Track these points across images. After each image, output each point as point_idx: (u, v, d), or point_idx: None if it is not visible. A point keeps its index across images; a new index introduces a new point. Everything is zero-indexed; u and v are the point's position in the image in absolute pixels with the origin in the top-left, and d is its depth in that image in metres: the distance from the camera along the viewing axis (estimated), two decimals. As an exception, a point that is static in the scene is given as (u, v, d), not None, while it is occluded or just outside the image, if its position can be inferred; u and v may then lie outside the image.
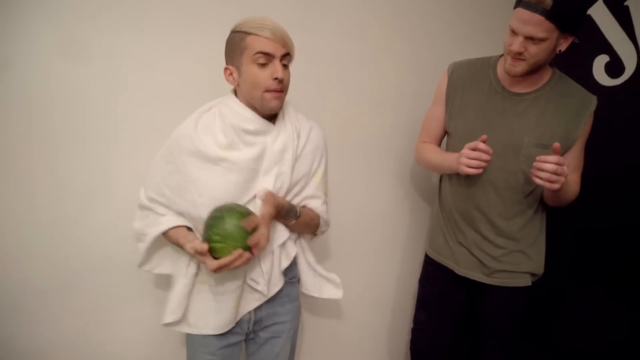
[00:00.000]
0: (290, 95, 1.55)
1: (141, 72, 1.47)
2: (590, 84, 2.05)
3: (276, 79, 1.16)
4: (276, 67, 1.16)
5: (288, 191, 1.29)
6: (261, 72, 1.16)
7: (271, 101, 1.19)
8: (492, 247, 1.50)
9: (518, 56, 1.28)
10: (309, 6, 1.72)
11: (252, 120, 1.23)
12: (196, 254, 1.13)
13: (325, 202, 1.41)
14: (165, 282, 1.55)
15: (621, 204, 1.99)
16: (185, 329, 1.28)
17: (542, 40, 1.23)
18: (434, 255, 1.65)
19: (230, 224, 1.10)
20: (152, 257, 1.35)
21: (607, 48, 1.99)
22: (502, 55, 1.46)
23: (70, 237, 1.44)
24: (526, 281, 1.53)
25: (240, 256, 1.10)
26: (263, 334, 1.37)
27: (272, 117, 1.29)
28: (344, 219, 1.90)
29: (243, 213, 1.13)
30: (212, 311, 1.25)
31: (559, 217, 2.25)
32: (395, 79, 1.92)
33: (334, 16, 1.77)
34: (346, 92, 1.83)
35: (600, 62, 2.02)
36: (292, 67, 1.53)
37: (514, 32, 1.26)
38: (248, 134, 1.23)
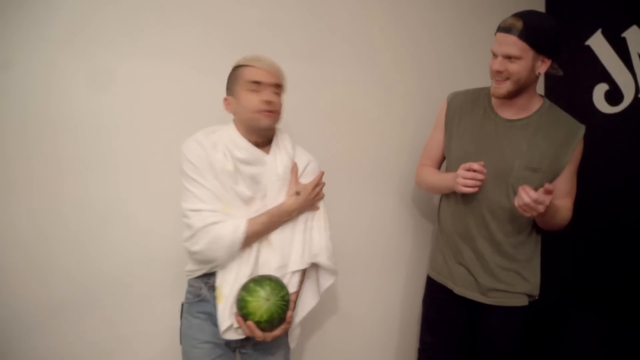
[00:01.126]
0: (300, 120, 1.63)
1: (161, 97, 1.56)
2: (591, 111, 2.12)
3: (266, 101, 1.28)
4: (266, 92, 1.29)
5: (298, 219, 1.41)
6: (253, 97, 1.29)
7: (262, 120, 1.29)
8: (488, 266, 1.54)
9: (499, 75, 1.39)
10: (320, 35, 1.81)
11: (244, 148, 1.32)
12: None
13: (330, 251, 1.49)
14: (176, 301, 1.61)
15: (620, 226, 2.03)
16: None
17: (518, 58, 1.35)
18: (434, 276, 1.70)
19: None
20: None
21: (607, 77, 2.06)
22: None
23: (90, 255, 1.50)
24: (522, 301, 1.56)
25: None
26: (254, 350, 1.40)
27: (266, 145, 1.38)
28: (350, 240, 1.95)
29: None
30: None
31: (558, 240, 2.29)
32: (403, 105, 2.00)
33: (344, 44, 1.86)
34: (355, 117, 1.91)
35: (600, 91, 2.09)
36: (304, 92, 1.61)
37: (494, 55, 1.40)
38: (240, 162, 1.32)
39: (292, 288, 1.38)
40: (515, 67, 1.36)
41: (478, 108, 1.56)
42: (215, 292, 1.31)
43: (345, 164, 1.90)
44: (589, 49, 2.12)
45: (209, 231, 1.26)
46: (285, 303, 1.28)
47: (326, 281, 1.51)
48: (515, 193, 1.39)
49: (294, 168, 1.40)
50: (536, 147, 1.44)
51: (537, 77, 1.44)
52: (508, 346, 1.61)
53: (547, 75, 2.35)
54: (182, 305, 1.42)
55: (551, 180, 1.46)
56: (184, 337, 1.39)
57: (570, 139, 1.44)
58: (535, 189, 1.31)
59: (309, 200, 1.38)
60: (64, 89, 1.45)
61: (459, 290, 1.60)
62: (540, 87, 2.36)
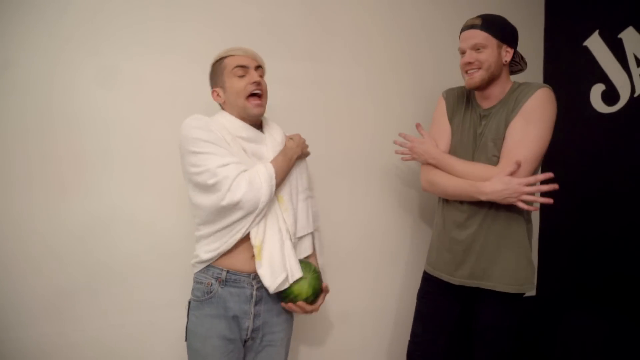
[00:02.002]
0: (299, 119, 1.67)
1: (166, 95, 1.62)
2: (588, 111, 2.15)
3: (254, 82, 1.37)
4: (252, 74, 1.38)
5: (299, 189, 1.51)
6: (241, 81, 1.38)
7: (254, 108, 1.38)
8: (482, 252, 1.58)
9: (470, 67, 1.54)
10: (319, 35, 1.86)
11: (245, 128, 1.40)
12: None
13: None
14: (184, 289, 1.64)
15: (618, 225, 2.06)
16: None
17: (483, 47, 1.51)
18: (430, 270, 1.73)
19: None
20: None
21: (603, 77, 2.10)
22: None
23: (99, 245, 1.57)
24: (519, 288, 1.57)
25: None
26: (259, 342, 1.44)
27: (258, 129, 1.46)
28: (349, 236, 2.00)
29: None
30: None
31: (557, 238, 2.33)
32: (400, 104, 2.04)
33: (343, 44, 1.91)
34: (353, 116, 1.96)
35: (597, 91, 2.13)
36: (303, 92, 1.64)
37: (462, 52, 1.57)
38: (244, 140, 1.39)
39: (305, 252, 1.51)
40: (483, 56, 1.52)
41: (466, 102, 1.68)
42: (255, 250, 1.36)
43: (344, 162, 1.95)
44: (586, 50, 2.16)
45: (244, 176, 1.31)
46: (318, 274, 1.44)
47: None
48: (494, 162, 1.54)
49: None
50: (498, 118, 1.55)
51: (505, 66, 1.57)
52: (503, 341, 1.63)
53: (545, 75, 2.39)
54: (189, 303, 1.42)
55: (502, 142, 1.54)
56: (193, 334, 1.39)
57: (523, 95, 1.51)
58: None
59: (300, 144, 1.49)
60: (69, 86, 1.52)
61: (455, 280, 1.63)
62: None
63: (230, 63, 1.39)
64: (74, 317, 1.56)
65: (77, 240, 1.55)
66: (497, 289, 1.56)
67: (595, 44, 2.13)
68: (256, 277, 1.38)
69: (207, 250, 1.38)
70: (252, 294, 1.39)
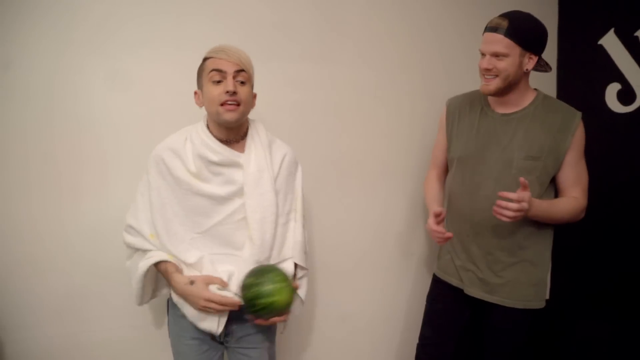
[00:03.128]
0: (308, 119, 1.65)
1: (175, 99, 1.60)
2: (603, 110, 2.11)
3: (228, 92, 1.23)
4: (228, 82, 1.24)
5: (279, 212, 1.36)
6: (216, 89, 1.25)
7: (225, 114, 1.25)
8: (494, 263, 1.55)
9: (488, 73, 1.45)
10: (329, 36, 1.84)
11: (216, 151, 1.30)
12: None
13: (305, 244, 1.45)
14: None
15: (632, 227, 2.01)
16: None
17: (505, 55, 1.41)
18: (440, 274, 1.71)
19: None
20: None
21: (619, 77, 2.05)
22: None
23: (110, 247, 1.56)
24: (526, 304, 1.54)
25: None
26: (236, 344, 1.40)
27: (241, 140, 1.36)
28: (359, 238, 1.98)
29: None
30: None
31: (567, 240, 2.28)
32: (410, 104, 2.02)
33: (352, 45, 1.89)
34: (362, 116, 1.94)
35: (612, 90, 2.08)
36: (312, 92, 1.62)
37: (482, 54, 1.46)
38: (213, 164, 1.30)
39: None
40: (502, 65, 1.42)
41: (475, 107, 1.60)
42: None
43: (354, 163, 1.94)
44: (601, 48, 2.11)
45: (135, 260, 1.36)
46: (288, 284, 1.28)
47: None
48: (518, 185, 1.41)
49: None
50: (534, 135, 1.47)
51: (526, 74, 1.49)
52: (513, 344, 1.60)
53: (559, 74, 2.34)
54: (168, 301, 1.42)
55: (554, 169, 1.48)
56: (171, 333, 1.43)
57: (567, 125, 1.46)
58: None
59: (196, 298, 1.26)
60: (77, 88, 1.52)
61: (466, 288, 1.61)
62: (552, 86, 2.35)
63: (208, 66, 1.28)
64: (83, 319, 1.57)
65: (88, 241, 1.56)
66: (505, 305, 1.54)
67: (610, 42, 2.08)
68: None
69: None
70: None
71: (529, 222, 1.49)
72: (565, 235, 2.30)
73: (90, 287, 1.57)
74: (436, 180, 1.77)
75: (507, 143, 1.50)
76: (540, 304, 1.56)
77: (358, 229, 1.97)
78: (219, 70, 1.25)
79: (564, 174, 1.49)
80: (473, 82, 1.74)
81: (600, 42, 2.12)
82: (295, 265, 1.40)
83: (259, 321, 1.27)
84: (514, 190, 1.45)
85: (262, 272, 1.24)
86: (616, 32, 2.05)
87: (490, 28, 1.44)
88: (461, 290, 1.64)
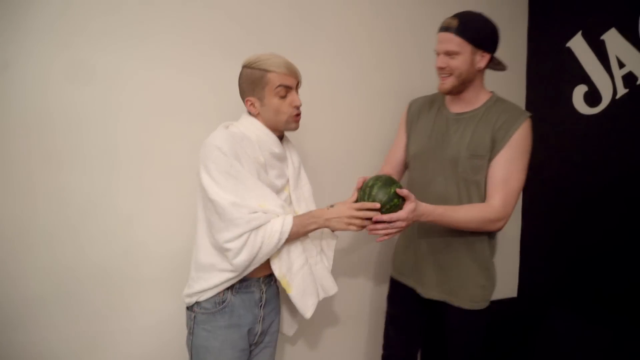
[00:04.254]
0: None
1: (141, 92, 1.55)
2: (570, 112, 2.16)
3: (296, 106, 1.36)
4: (294, 97, 1.36)
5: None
6: (283, 103, 1.35)
7: (293, 124, 1.39)
8: (444, 262, 1.56)
9: (442, 71, 1.49)
10: (303, 31, 1.81)
11: (278, 144, 1.40)
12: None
13: None
14: (161, 295, 1.60)
15: (599, 226, 2.08)
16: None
17: (456, 53, 1.45)
18: (396, 276, 1.72)
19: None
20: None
21: (586, 79, 2.10)
22: None
23: (71, 248, 1.48)
24: (473, 305, 1.54)
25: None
26: (260, 345, 1.46)
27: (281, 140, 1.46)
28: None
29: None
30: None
31: (536, 240, 2.34)
32: (384, 103, 2.01)
33: (327, 41, 1.87)
34: (336, 114, 1.92)
35: (579, 92, 2.13)
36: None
37: (436, 53, 1.51)
38: (274, 157, 1.39)
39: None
40: (455, 63, 1.46)
41: (434, 107, 1.65)
42: (282, 283, 1.35)
43: (327, 162, 1.91)
44: (569, 51, 2.16)
45: (251, 236, 1.24)
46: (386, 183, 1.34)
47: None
48: (465, 182, 1.48)
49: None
50: (480, 135, 1.49)
51: (480, 72, 1.52)
52: (469, 344, 1.60)
53: (528, 76, 2.39)
54: (195, 317, 1.35)
55: (487, 166, 1.49)
56: (205, 350, 1.32)
57: (510, 124, 1.46)
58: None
59: (343, 215, 1.32)
60: (37, 81, 1.42)
61: (419, 290, 1.61)
62: (522, 87, 2.39)
63: (273, 81, 1.32)
64: (46, 325, 1.48)
65: (48, 242, 1.46)
66: (454, 304, 1.55)
67: (578, 45, 2.13)
68: (265, 279, 1.40)
69: (199, 284, 1.34)
70: (260, 297, 1.40)
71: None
72: (534, 233, 2.37)
73: (49, 292, 1.47)
74: None
75: (455, 142, 1.53)
76: (485, 305, 1.56)
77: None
78: (287, 87, 1.34)
79: (491, 172, 1.46)
80: None
81: (568, 44, 2.17)
82: None
83: (387, 216, 1.30)
84: (461, 188, 1.50)
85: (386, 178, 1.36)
86: (583, 35, 2.10)
87: (442, 28, 1.49)
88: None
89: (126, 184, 1.55)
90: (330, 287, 1.46)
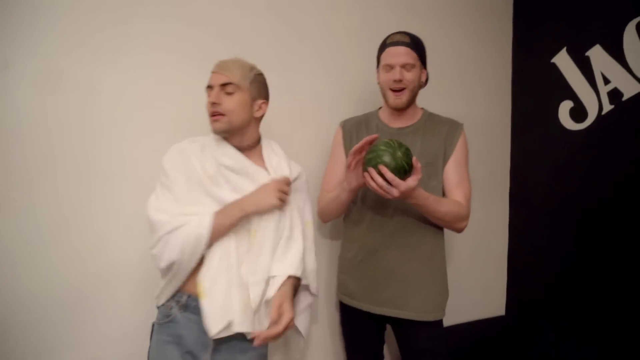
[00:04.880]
0: (265, 129, 1.59)
1: (115, 104, 1.47)
2: (556, 127, 2.16)
3: (210, 102, 1.28)
4: (212, 93, 1.29)
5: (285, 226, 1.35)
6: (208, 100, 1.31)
7: (212, 124, 1.30)
8: (403, 277, 1.54)
9: (399, 85, 1.51)
10: (288, 43, 1.77)
11: (230, 155, 1.31)
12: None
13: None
14: (136, 320, 1.51)
15: (586, 242, 2.06)
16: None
17: (412, 66, 1.51)
18: (347, 301, 1.64)
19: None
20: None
21: (571, 94, 2.11)
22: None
23: (37, 270, 1.38)
24: (435, 315, 1.55)
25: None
26: None
27: (253, 150, 1.37)
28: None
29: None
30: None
31: (526, 256, 2.32)
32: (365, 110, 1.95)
33: (312, 53, 1.83)
34: (321, 127, 1.85)
35: (565, 108, 2.13)
36: (274, 103, 1.56)
37: (389, 67, 1.52)
38: (227, 169, 1.30)
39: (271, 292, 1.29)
40: (411, 76, 1.51)
41: (371, 125, 1.64)
42: (198, 287, 1.23)
43: (313, 174, 1.83)
44: (554, 67, 2.16)
45: (171, 237, 1.21)
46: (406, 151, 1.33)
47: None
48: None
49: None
50: (428, 145, 1.56)
51: (420, 88, 1.59)
52: (437, 357, 1.59)
53: (513, 91, 2.39)
54: (153, 325, 1.32)
55: (442, 171, 1.57)
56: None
57: (452, 133, 1.58)
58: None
59: (275, 192, 1.28)
60: (7, 90, 1.33)
61: (376, 309, 1.57)
62: (507, 102, 2.39)
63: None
64: (6, 355, 1.36)
65: (9, 266, 1.35)
66: (417, 319, 1.53)
67: (563, 61, 2.14)
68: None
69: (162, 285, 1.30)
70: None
71: (423, 225, 1.54)
72: (521, 249, 2.34)
73: (12, 318, 1.35)
74: None
75: None
76: (443, 315, 1.58)
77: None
78: (209, 86, 1.30)
79: (446, 175, 1.56)
80: (431, 91, 1.72)
81: (554, 60, 2.17)
82: (296, 289, 1.35)
83: (392, 177, 1.29)
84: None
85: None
86: (568, 51, 2.11)
87: (394, 42, 1.53)
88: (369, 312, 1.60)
89: (100, 200, 1.45)
90: (241, 322, 1.24)
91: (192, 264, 1.24)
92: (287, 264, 1.32)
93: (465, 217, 1.52)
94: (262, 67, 1.48)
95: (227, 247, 1.26)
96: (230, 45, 1.63)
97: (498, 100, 2.38)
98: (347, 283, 1.65)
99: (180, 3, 1.58)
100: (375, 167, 1.30)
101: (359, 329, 1.68)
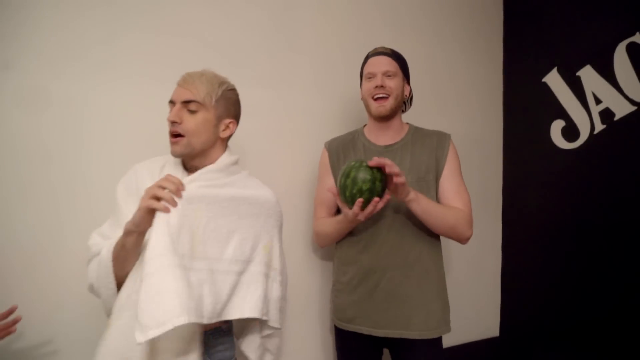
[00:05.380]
0: (258, 146, 1.55)
1: (99, 121, 1.43)
2: (548, 146, 2.15)
3: (168, 120, 1.17)
4: (172, 111, 1.17)
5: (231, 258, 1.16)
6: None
7: (171, 147, 1.18)
8: (403, 296, 1.50)
9: (380, 92, 1.52)
10: (283, 60, 1.76)
11: (175, 172, 1.20)
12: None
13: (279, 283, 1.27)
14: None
15: (578, 261, 2.04)
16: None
17: (394, 74, 1.53)
18: (343, 326, 1.59)
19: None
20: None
21: (563, 114, 2.11)
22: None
23: (16, 297, 1.27)
24: (439, 332, 1.52)
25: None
26: None
27: None
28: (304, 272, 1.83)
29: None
30: None
31: (519, 276, 2.30)
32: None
33: (307, 70, 1.82)
34: (314, 144, 1.80)
35: (557, 127, 2.13)
36: (263, 118, 1.52)
37: (371, 76, 1.54)
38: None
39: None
40: (394, 83, 1.53)
41: (357, 145, 1.62)
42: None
43: (300, 193, 1.81)
44: (545, 86, 2.17)
45: (92, 261, 1.15)
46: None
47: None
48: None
49: None
50: (419, 158, 1.55)
51: (404, 101, 1.60)
52: None
53: (505, 110, 2.39)
54: None
55: (435, 186, 1.55)
56: None
57: (442, 144, 1.57)
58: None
59: (145, 196, 1.06)
60: None
61: (379, 332, 1.52)
62: (498, 121, 2.39)
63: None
64: None
65: None
66: (421, 337, 1.49)
67: (554, 80, 2.14)
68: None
69: None
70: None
71: (420, 241, 1.52)
72: (514, 269, 2.32)
73: None
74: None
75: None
76: (448, 330, 1.56)
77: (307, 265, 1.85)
78: (171, 102, 1.19)
79: (443, 186, 1.54)
80: (429, 109, 1.71)
81: (544, 79, 2.18)
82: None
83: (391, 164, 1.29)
84: (414, 216, 1.47)
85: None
86: (559, 71, 2.12)
87: (376, 53, 1.57)
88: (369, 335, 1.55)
89: (77, 225, 1.38)
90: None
91: (108, 290, 1.11)
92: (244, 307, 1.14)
93: (469, 223, 1.50)
94: (253, 81, 1.45)
95: (134, 276, 1.09)
96: (222, 60, 1.59)
97: (490, 119, 2.38)
98: (344, 307, 1.59)
99: (170, 17, 1.55)
100: (354, 200, 1.29)
101: (356, 354, 1.61)
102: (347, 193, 1.30)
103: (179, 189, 1.07)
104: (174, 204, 1.06)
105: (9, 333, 1.17)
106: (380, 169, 1.30)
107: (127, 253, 1.09)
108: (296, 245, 1.81)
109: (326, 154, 1.66)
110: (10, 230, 1.32)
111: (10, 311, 1.19)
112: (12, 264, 1.32)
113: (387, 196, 1.34)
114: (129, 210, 1.10)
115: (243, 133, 1.54)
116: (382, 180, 1.30)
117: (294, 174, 1.81)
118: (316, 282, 1.86)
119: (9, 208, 1.31)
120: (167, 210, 1.05)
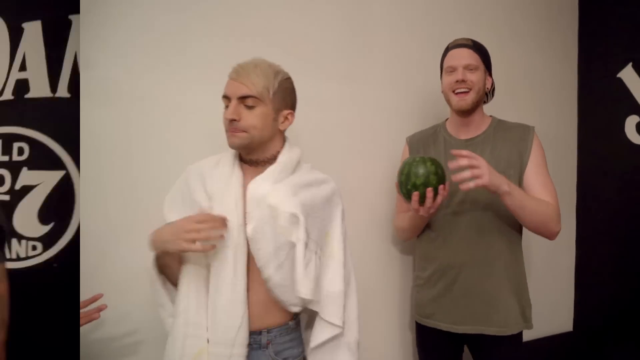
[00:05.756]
0: (330, 141, 1.60)
1: (170, 116, 1.45)
2: (623, 142, 2.14)
3: (226, 119, 1.13)
4: (230, 109, 1.12)
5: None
6: (225, 114, 1.14)
7: (229, 139, 1.14)
8: (483, 292, 1.49)
9: (461, 86, 1.47)
10: (356, 55, 1.78)
11: (222, 163, 1.20)
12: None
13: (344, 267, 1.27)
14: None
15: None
16: None
17: (476, 68, 1.47)
18: (423, 321, 1.59)
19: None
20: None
21: (638, 109, 2.08)
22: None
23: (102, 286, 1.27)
24: (519, 327, 1.49)
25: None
26: None
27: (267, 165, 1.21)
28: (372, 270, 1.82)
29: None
30: None
31: (595, 271, 2.28)
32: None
33: (380, 65, 1.83)
34: (387, 140, 1.83)
35: (631, 122, 2.11)
36: (336, 113, 1.57)
37: (452, 69, 1.49)
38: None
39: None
40: (475, 77, 1.47)
41: (438, 139, 1.60)
42: None
43: (379, 188, 1.83)
44: (620, 82, 2.15)
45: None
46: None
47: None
48: (495, 203, 1.42)
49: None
50: (499, 152, 1.50)
51: (485, 94, 1.54)
52: None
53: (580, 106, 2.38)
54: None
55: (519, 181, 1.48)
56: None
57: (524, 137, 1.51)
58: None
59: (180, 229, 1.05)
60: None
61: (458, 328, 1.51)
62: (573, 118, 2.39)
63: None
64: None
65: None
66: (500, 334, 1.47)
67: (629, 75, 2.12)
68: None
69: None
70: None
71: (499, 236, 1.49)
72: (590, 264, 2.31)
73: None
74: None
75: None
76: (529, 325, 1.52)
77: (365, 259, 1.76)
78: (226, 97, 1.14)
79: (528, 180, 1.47)
80: (500, 103, 1.70)
81: (619, 75, 2.16)
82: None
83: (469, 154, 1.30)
84: (493, 209, 1.47)
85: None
86: (634, 67, 2.09)
87: (457, 45, 1.51)
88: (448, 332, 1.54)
89: (153, 214, 1.31)
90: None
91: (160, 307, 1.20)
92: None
93: (558, 217, 1.43)
94: (328, 77, 1.52)
95: (186, 291, 1.14)
96: (296, 56, 1.57)
97: (564, 115, 2.37)
98: (424, 303, 1.59)
99: (243, 16, 1.55)
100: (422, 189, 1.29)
101: (438, 350, 1.61)
102: (403, 189, 1.34)
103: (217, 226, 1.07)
104: (211, 246, 1.06)
105: (92, 319, 1.17)
106: (436, 163, 1.31)
107: (171, 270, 1.17)
108: (374, 238, 1.83)
109: (407, 149, 1.66)
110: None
111: (94, 299, 1.19)
112: (97, 256, 1.35)
113: (442, 190, 1.31)
114: (177, 207, 1.18)
115: (320, 127, 1.65)
116: (436, 173, 1.29)
117: (374, 168, 1.82)
118: (395, 277, 1.88)
119: (96, 200, 1.37)
120: (207, 249, 1.06)
